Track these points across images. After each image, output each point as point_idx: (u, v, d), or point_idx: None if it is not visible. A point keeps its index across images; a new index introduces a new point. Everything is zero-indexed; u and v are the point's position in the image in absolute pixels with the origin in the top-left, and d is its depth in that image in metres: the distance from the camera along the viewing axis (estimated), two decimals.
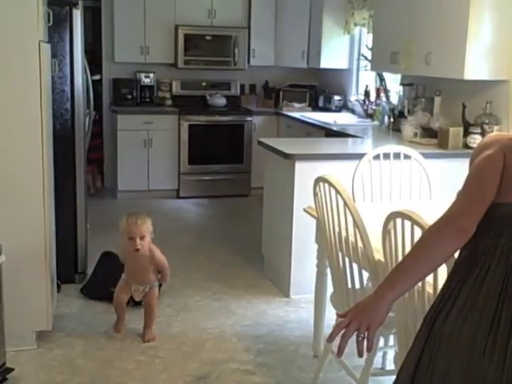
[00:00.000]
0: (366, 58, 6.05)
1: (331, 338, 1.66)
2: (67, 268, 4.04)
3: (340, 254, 2.68)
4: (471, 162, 1.71)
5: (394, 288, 1.65)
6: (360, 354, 1.63)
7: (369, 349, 1.63)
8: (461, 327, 1.58)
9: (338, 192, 2.56)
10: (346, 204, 2.53)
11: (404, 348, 2.19)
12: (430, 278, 1.89)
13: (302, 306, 3.91)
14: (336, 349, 2.88)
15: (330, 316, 3.12)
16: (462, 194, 1.64)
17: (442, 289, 1.70)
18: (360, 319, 1.63)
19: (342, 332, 1.63)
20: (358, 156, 3.63)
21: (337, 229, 2.68)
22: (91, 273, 4.13)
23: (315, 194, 2.81)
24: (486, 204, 1.60)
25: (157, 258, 3.49)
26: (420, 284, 2.07)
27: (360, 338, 1.62)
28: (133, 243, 3.34)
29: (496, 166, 1.60)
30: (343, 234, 2.64)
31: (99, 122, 5.89)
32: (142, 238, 3.34)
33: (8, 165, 3.08)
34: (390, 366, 2.84)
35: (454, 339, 1.59)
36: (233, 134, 6.70)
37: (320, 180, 2.72)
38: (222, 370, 3.13)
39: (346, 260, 2.64)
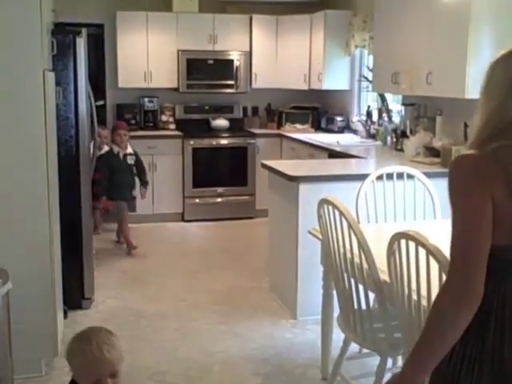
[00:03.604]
0: (367, 79, 6.10)
1: None
2: (74, 294, 4.05)
3: (345, 275, 2.68)
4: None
5: (427, 371, 1.54)
6: None
7: None
8: None
9: (341, 214, 2.58)
10: (350, 225, 2.54)
11: None
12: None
13: (308, 327, 3.90)
14: (345, 373, 2.88)
15: (338, 338, 3.11)
16: (463, 254, 1.47)
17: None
18: None
19: None
20: (362, 177, 3.64)
21: (342, 250, 2.68)
22: None
23: (319, 216, 2.83)
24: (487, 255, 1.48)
25: None
26: (426, 303, 2.08)
27: None
28: None
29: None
30: (348, 255, 2.65)
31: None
32: (112, 375, 1.93)
33: (13, 192, 3.11)
34: None
35: None
36: (236, 156, 6.73)
37: (324, 202, 2.74)
38: None
39: (352, 281, 2.64)
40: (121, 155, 5.57)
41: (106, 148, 5.74)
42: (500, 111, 1.51)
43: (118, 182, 5.51)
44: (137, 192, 5.73)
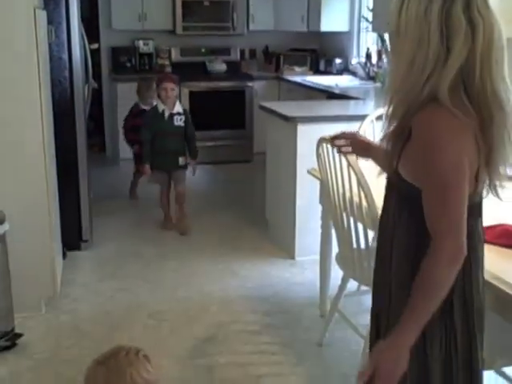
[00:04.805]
0: (367, 20, 5.97)
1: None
2: (72, 236, 4.06)
3: (344, 214, 2.67)
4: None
5: (420, 330, 1.49)
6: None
7: None
8: None
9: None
10: (349, 164, 2.51)
11: None
12: None
13: (307, 267, 3.93)
14: (343, 310, 2.91)
15: (336, 276, 3.13)
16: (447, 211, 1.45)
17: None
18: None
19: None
20: (361, 117, 3.59)
21: (341, 189, 2.66)
22: None
23: (318, 155, 2.79)
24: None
25: None
26: None
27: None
28: None
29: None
30: (347, 194, 2.63)
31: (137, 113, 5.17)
32: None
33: (8, 133, 3.06)
34: None
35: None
36: (234, 99, 6.65)
37: (323, 141, 2.69)
38: (229, 332, 3.16)
39: (351, 220, 2.63)
40: (166, 115, 4.52)
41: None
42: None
43: (160, 147, 4.53)
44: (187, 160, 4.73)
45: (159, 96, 4.55)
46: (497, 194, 1.56)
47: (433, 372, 1.56)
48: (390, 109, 1.52)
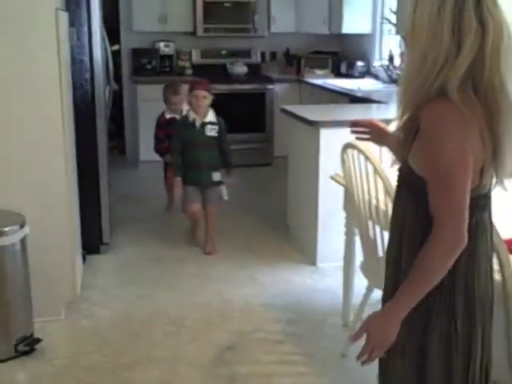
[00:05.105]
0: (390, 22, 5.89)
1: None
2: (92, 239, 4.03)
3: (370, 222, 2.61)
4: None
5: (408, 310, 1.57)
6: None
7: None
8: None
9: (367, 158, 2.49)
10: (376, 170, 2.45)
11: None
12: None
13: (328, 274, 3.86)
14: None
15: (359, 285, 3.06)
16: (448, 200, 1.50)
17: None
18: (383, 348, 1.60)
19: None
20: (386, 121, 3.51)
21: (366, 196, 2.60)
22: None
23: (343, 161, 2.74)
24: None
25: None
26: None
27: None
28: None
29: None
30: (373, 201, 2.57)
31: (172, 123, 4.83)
32: None
33: (28, 135, 3.04)
34: None
35: None
36: (254, 102, 6.60)
37: (348, 147, 2.64)
38: (251, 340, 3.11)
39: (377, 228, 2.57)
40: (197, 124, 4.11)
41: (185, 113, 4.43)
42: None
43: (190, 159, 4.11)
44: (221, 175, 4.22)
45: (190, 104, 4.19)
46: (504, 188, 1.60)
47: (431, 356, 1.62)
48: (403, 102, 1.59)
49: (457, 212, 1.49)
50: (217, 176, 4.15)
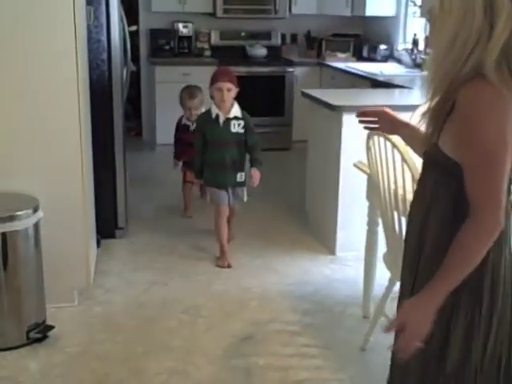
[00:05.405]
0: (415, 4, 5.74)
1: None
2: (107, 223, 3.96)
3: (396, 212, 2.50)
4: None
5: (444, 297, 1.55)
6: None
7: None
8: None
9: (394, 146, 2.37)
10: (403, 159, 2.34)
11: None
12: None
13: (348, 264, 3.76)
14: (389, 313, 2.75)
15: (381, 276, 2.97)
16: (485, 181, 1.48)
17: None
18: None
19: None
20: (409, 108, 3.35)
21: (392, 186, 2.49)
22: None
23: (368, 148, 2.62)
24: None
25: None
26: None
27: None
28: None
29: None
30: (399, 191, 2.46)
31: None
32: None
33: (44, 117, 2.95)
34: None
35: None
36: (273, 85, 6.47)
37: (374, 134, 2.52)
38: (267, 331, 3.02)
39: (403, 219, 2.46)
40: (221, 120, 3.68)
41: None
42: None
43: (214, 158, 3.72)
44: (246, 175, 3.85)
45: (212, 97, 3.74)
46: None
47: (452, 341, 1.59)
48: (433, 83, 1.55)
49: (496, 195, 1.47)
50: (241, 176, 3.79)
